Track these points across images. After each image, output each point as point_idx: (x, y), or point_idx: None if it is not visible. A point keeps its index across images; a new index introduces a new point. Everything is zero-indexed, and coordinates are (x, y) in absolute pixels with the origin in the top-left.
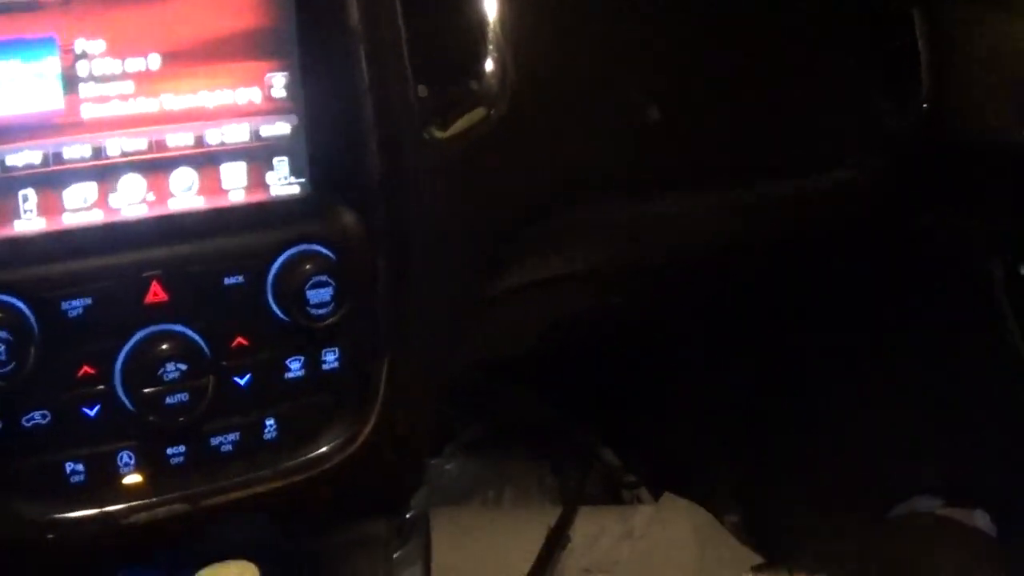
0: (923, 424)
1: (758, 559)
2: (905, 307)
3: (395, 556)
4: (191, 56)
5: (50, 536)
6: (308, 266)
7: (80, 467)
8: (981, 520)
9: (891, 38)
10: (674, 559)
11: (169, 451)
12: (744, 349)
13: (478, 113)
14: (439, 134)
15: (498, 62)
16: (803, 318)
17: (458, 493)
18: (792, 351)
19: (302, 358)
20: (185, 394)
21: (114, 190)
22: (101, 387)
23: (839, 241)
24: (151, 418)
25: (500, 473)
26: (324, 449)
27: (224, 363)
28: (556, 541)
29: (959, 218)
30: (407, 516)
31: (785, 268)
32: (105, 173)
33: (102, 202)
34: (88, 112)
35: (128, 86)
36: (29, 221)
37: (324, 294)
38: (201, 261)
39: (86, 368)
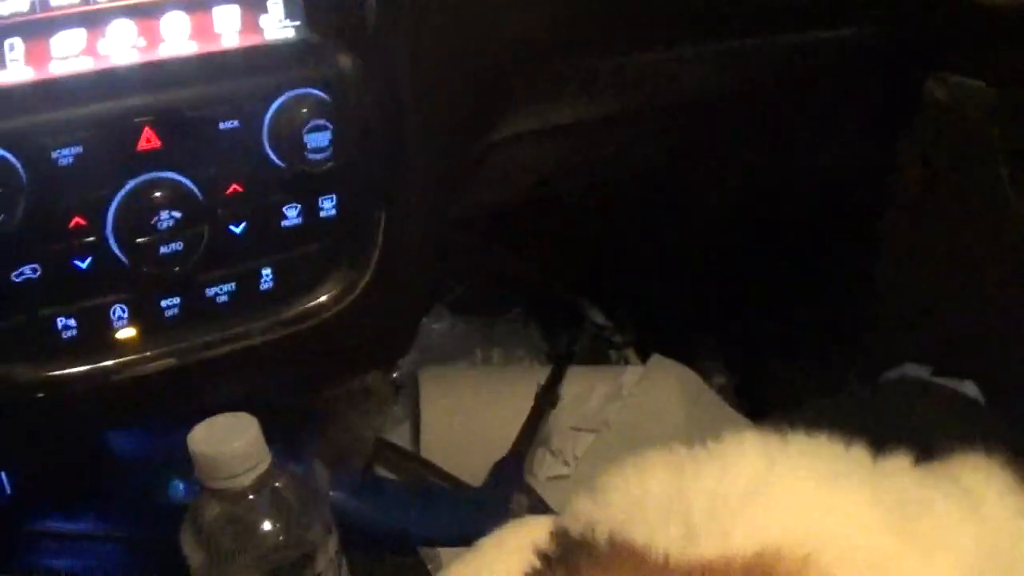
0: (914, 291)
1: (745, 421)
2: (900, 168)
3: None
4: None
5: (40, 395)
6: (305, 110)
7: (72, 322)
8: (971, 390)
9: None
10: (662, 419)
11: (163, 303)
12: (737, 208)
13: None
14: None
15: None
16: (797, 176)
17: (446, 353)
18: (783, 212)
19: (299, 205)
20: (179, 243)
21: (103, 36)
22: (93, 238)
23: (840, 97)
24: (144, 269)
25: (488, 333)
26: (321, 299)
27: (219, 211)
28: (546, 400)
29: (959, 83)
30: (395, 375)
31: (779, 121)
32: (94, 19)
33: (91, 49)
34: None
35: None
36: (16, 70)
37: (321, 138)
38: (195, 106)
39: (77, 219)
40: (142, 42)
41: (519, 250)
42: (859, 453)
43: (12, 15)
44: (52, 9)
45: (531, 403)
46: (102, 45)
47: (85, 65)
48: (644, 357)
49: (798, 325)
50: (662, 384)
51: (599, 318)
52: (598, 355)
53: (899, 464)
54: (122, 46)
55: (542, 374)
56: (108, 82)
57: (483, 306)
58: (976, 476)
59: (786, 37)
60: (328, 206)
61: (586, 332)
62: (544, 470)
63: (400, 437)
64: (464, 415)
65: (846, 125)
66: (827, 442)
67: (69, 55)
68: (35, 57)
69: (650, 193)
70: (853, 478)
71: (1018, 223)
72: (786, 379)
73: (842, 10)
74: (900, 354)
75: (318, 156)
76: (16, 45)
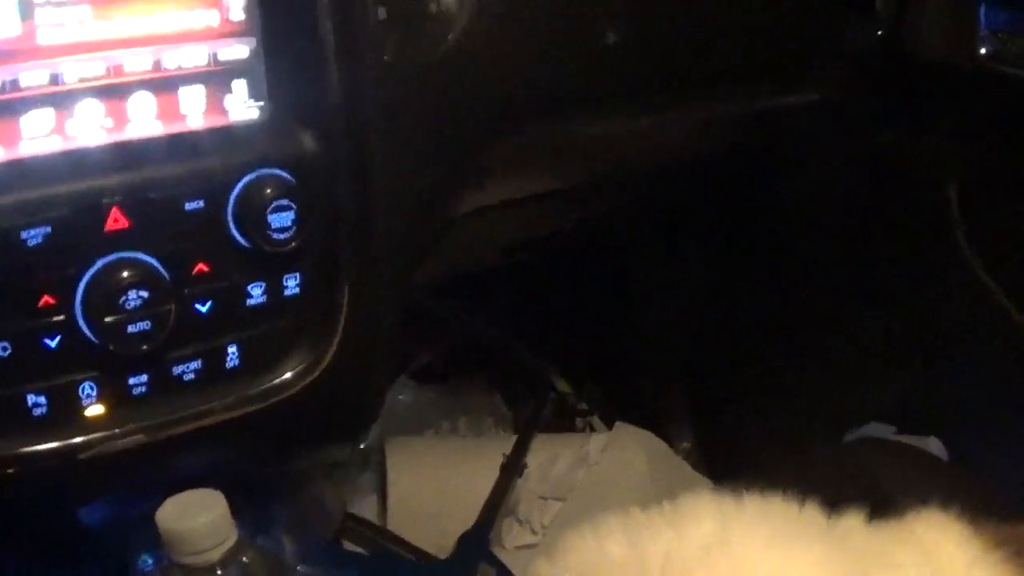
0: (877, 350)
1: (711, 485)
2: (861, 229)
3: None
4: None
5: (11, 471)
6: (269, 190)
7: (42, 399)
8: (934, 446)
9: None
10: (628, 485)
11: (131, 380)
12: (698, 274)
13: (436, 34)
14: (398, 56)
15: None
16: (758, 243)
17: (413, 423)
18: (746, 277)
19: (263, 284)
20: (147, 322)
21: (71, 116)
22: (62, 317)
23: (796, 162)
24: (113, 347)
25: (454, 402)
26: (286, 376)
27: (185, 290)
28: (512, 470)
29: (916, 140)
30: (362, 446)
31: (742, 190)
32: (62, 99)
33: (60, 129)
34: (45, 37)
35: (85, 10)
36: None
37: (285, 218)
38: (161, 187)
39: (47, 298)
40: (109, 122)
41: (483, 318)
42: (813, 512)
43: None
44: (22, 89)
45: (497, 472)
46: (70, 125)
47: (54, 145)
48: (609, 424)
49: (764, 387)
50: (628, 450)
51: (564, 386)
52: (564, 423)
53: (852, 522)
54: (90, 126)
55: (508, 443)
56: (77, 162)
57: (448, 375)
58: (931, 530)
59: (754, 102)
60: (292, 284)
61: (551, 400)
62: (512, 539)
63: (368, 508)
64: (431, 485)
65: (812, 189)
66: (781, 503)
67: (38, 135)
68: (4, 137)
69: (615, 259)
70: (806, 537)
71: (975, 280)
72: (752, 441)
73: (804, 75)
74: (864, 413)
75: (282, 236)
76: None
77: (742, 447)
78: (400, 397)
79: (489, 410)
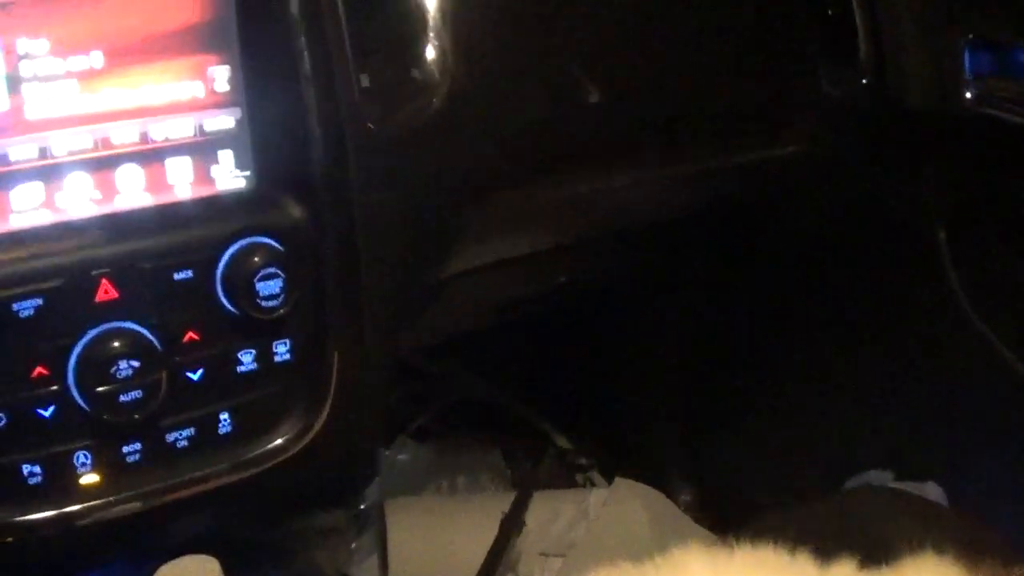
0: (874, 396)
1: (712, 537)
2: (852, 277)
3: (352, 547)
4: (133, 52)
5: (8, 539)
6: (256, 258)
7: (37, 469)
8: (933, 492)
9: (829, 8)
10: (628, 539)
11: (125, 449)
12: (692, 325)
13: (419, 101)
14: (381, 123)
15: (438, 49)
16: (750, 293)
17: (411, 483)
18: (741, 328)
19: (254, 351)
20: (139, 391)
21: (60, 189)
22: (55, 387)
23: (785, 212)
24: (106, 416)
25: (453, 461)
26: (279, 441)
27: (176, 358)
28: (512, 527)
29: (904, 185)
30: (362, 507)
31: (732, 241)
32: (51, 173)
33: (49, 202)
34: (33, 112)
35: (72, 84)
36: None
37: (273, 286)
38: (150, 257)
39: (39, 369)
40: (98, 194)
41: (479, 376)
42: (803, 561)
43: None
44: (11, 164)
45: (497, 530)
46: (60, 198)
47: (44, 218)
48: (609, 478)
49: (763, 437)
50: (628, 505)
51: (563, 442)
52: (563, 478)
53: (844, 570)
54: (79, 199)
55: (508, 500)
56: (66, 234)
57: (446, 434)
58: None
59: (739, 156)
60: (282, 350)
61: (550, 456)
62: None
63: (369, 569)
64: (432, 545)
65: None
66: (772, 553)
67: (27, 208)
68: None
69: (608, 313)
70: None
71: (969, 323)
72: (752, 492)
73: (788, 126)
74: (862, 460)
75: (271, 303)
76: None
77: (743, 498)
78: (399, 456)
79: (488, 468)
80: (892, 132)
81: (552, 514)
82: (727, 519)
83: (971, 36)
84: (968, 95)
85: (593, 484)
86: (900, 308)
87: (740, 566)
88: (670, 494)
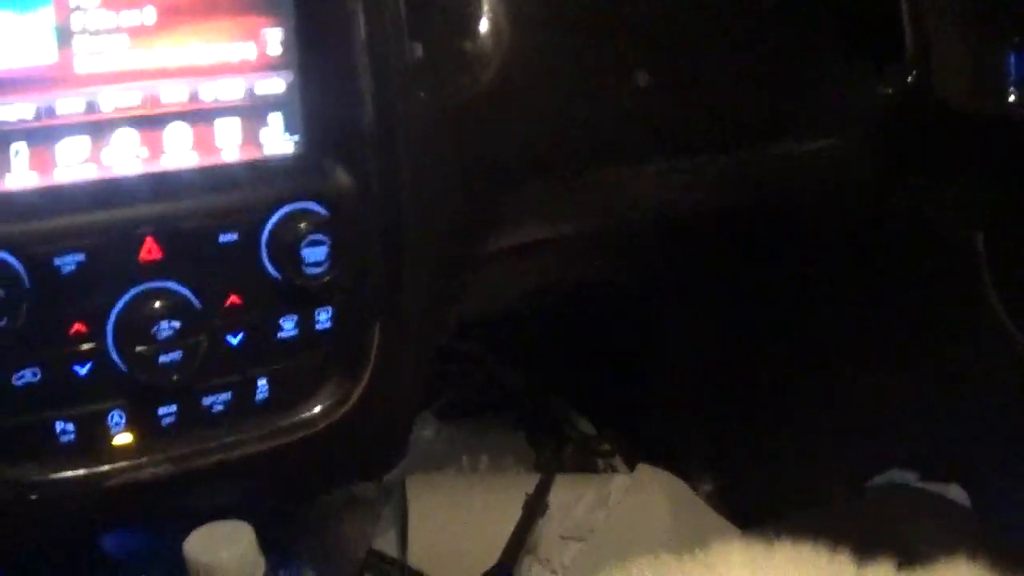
0: (900, 397)
1: (733, 528)
2: (885, 279)
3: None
4: (186, 10)
5: (36, 497)
6: (303, 224)
7: (70, 427)
8: (956, 493)
9: (875, 8)
10: (648, 527)
11: (160, 411)
12: (721, 318)
13: (470, 74)
14: (432, 94)
15: (493, 22)
16: (782, 288)
17: (433, 460)
18: (769, 321)
19: (295, 317)
20: (178, 353)
21: (107, 145)
22: (93, 345)
23: (821, 210)
24: (143, 377)
25: (476, 440)
26: (315, 410)
27: (217, 322)
28: (535, 508)
29: (942, 189)
30: (382, 482)
31: (766, 236)
32: (98, 128)
33: (95, 157)
34: (82, 66)
35: (123, 39)
36: (21, 176)
37: (319, 252)
38: (195, 218)
39: (78, 326)
40: (145, 152)
41: (506, 357)
42: (843, 562)
43: (18, 121)
44: (58, 117)
45: (519, 511)
46: (106, 154)
47: (89, 173)
48: (631, 465)
49: (786, 431)
50: (649, 492)
51: (586, 427)
52: (585, 463)
53: (882, 572)
54: (125, 156)
55: (530, 482)
56: (111, 191)
57: (470, 413)
58: None
59: (781, 151)
60: (324, 318)
61: (573, 441)
62: None
63: (387, 544)
64: (452, 523)
65: (837, 236)
66: (812, 552)
67: (73, 163)
68: (39, 163)
69: (637, 303)
70: None
71: (1001, 329)
72: (774, 486)
73: (814, 123)
74: (886, 459)
75: (315, 270)
76: (21, 150)
77: (764, 491)
78: (423, 433)
79: (510, 449)
80: (932, 134)
81: (573, 498)
82: (749, 511)
83: (1016, 40)
84: (1012, 98)
85: (615, 470)
86: (931, 311)
87: (780, 563)
88: (692, 483)
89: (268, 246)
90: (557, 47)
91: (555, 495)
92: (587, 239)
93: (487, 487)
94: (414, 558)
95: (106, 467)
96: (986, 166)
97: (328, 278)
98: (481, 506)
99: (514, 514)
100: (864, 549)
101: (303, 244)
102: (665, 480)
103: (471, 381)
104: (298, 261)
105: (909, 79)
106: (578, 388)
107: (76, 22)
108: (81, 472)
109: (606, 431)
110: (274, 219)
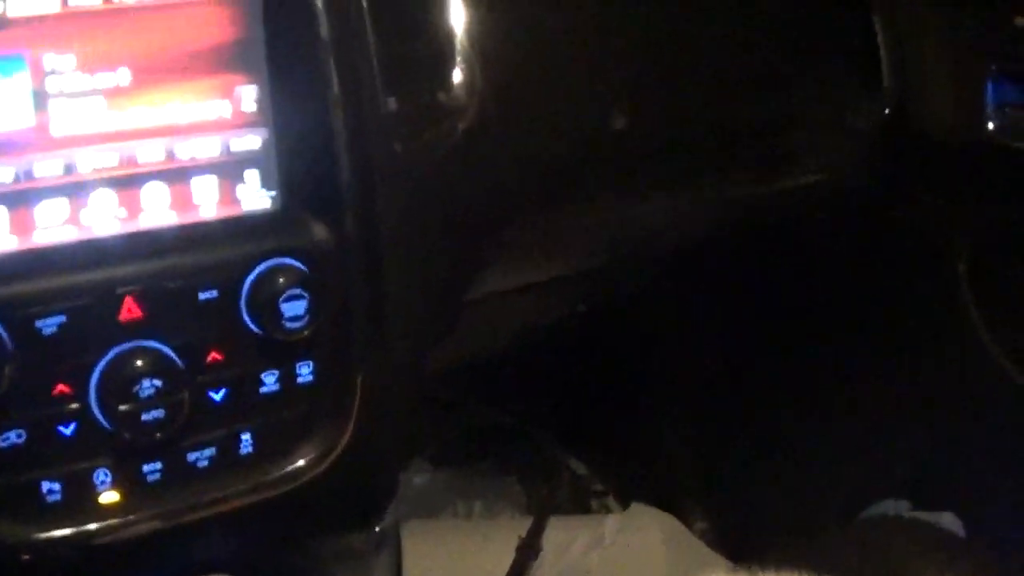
0: (890, 424)
1: (728, 564)
2: (871, 305)
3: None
4: (161, 70)
5: (25, 557)
6: (282, 279)
7: (56, 486)
8: (949, 522)
9: (854, 38)
10: (644, 566)
11: (145, 468)
12: (709, 355)
13: (445, 125)
14: (407, 146)
15: (466, 72)
16: (769, 320)
17: (427, 506)
18: (757, 356)
19: (277, 372)
20: (161, 410)
21: (85, 206)
22: (76, 405)
23: (806, 239)
24: (127, 435)
25: (469, 485)
26: (300, 463)
27: (199, 378)
28: (527, 552)
29: (925, 216)
30: (377, 530)
31: (752, 270)
32: (76, 189)
33: (74, 219)
34: (58, 128)
35: (99, 101)
36: (1, 239)
37: (298, 307)
38: (175, 276)
39: (61, 386)
40: (123, 212)
41: (496, 401)
42: None
43: None
44: (36, 180)
45: (513, 555)
46: (84, 215)
47: (68, 235)
48: (625, 504)
49: (778, 465)
50: (643, 531)
51: (578, 467)
52: (579, 504)
53: None
54: (104, 216)
55: (524, 525)
56: (91, 252)
57: (463, 458)
58: None
59: (762, 184)
60: (306, 372)
61: (566, 482)
62: None
63: None
64: (447, 570)
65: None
66: None
67: (52, 225)
68: (19, 226)
69: (625, 341)
70: None
71: (986, 353)
72: (768, 520)
73: (812, 154)
74: (879, 488)
75: (295, 324)
76: (1, 214)
77: (758, 526)
78: (415, 480)
79: (504, 493)
80: (915, 163)
81: (567, 540)
82: (743, 546)
83: (994, 67)
84: (990, 125)
85: (609, 510)
86: (919, 339)
87: None
88: (685, 521)
89: (248, 302)
90: (533, 91)
91: (549, 537)
92: (574, 279)
93: (482, 532)
94: None
95: (93, 525)
96: (967, 193)
97: (308, 332)
98: (476, 551)
99: (509, 558)
100: None
101: (282, 299)
102: (659, 518)
103: (463, 426)
104: (278, 316)
105: (888, 109)
106: (569, 429)
107: (52, 85)
108: (69, 531)
109: (598, 470)
110: (253, 275)
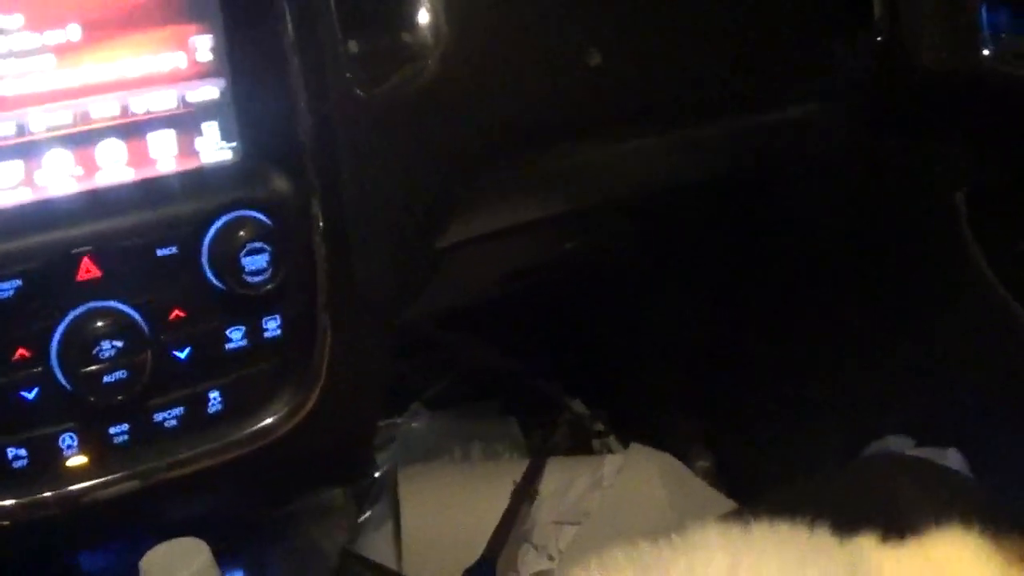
0: (893, 363)
1: (729, 504)
2: (870, 247)
3: (366, 516)
4: (112, 24)
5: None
6: (243, 232)
7: (22, 451)
8: (954, 459)
9: None
10: (644, 507)
11: (112, 430)
12: (710, 292)
13: (411, 67)
14: (371, 90)
15: (431, 11)
16: (767, 261)
17: (425, 451)
18: (757, 295)
19: (243, 327)
20: (123, 371)
21: (40, 167)
22: (38, 369)
23: (801, 179)
24: (90, 398)
25: (467, 429)
26: (271, 419)
27: (162, 337)
28: (522, 496)
29: (920, 149)
30: (375, 476)
31: (748, 210)
32: (30, 150)
33: (28, 180)
34: (9, 88)
35: (49, 59)
36: None
37: (260, 260)
38: (132, 234)
39: (21, 351)
40: (79, 171)
41: (494, 342)
42: (823, 536)
43: None
44: None
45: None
46: (39, 176)
47: (23, 196)
48: (626, 443)
49: (779, 403)
50: (644, 472)
51: (578, 407)
52: (580, 444)
53: (866, 543)
54: (59, 176)
55: (522, 468)
56: (46, 213)
57: (461, 401)
58: (949, 549)
59: (749, 121)
60: (272, 326)
61: (565, 422)
62: (528, 566)
63: (383, 537)
64: (445, 514)
65: (817, 203)
66: (790, 529)
67: (6, 187)
68: None
69: (622, 279)
70: (819, 563)
71: (989, 289)
72: (770, 458)
73: (801, 89)
74: (882, 426)
75: (258, 278)
76: None
77: (760, 464)
78: (413, 424)
79: (502, 436)
80: (907, 95)
81: (566, 482)
82: (745, 485)
83: None
84: (986, 52)
85: (610, 449)
86: (920, 276)
87: (758, 543)
88: (686, 460)
89: (209, 257)
90: (501, 30)
91: (548, 479)
92: (551, 222)
93: (480, 475)
94: (408, 550)
95: (62, 490)
96: (963, 122)
97: (272, 286)
98: (474, 495)
99: (507, 501)
100: (848, 522)
101: (244, 253)
102: (659, 458)
103: (460, 369)
104: (240, 270)
105: (879, 39)
106: (568, 371)
107: (0, 45)
108: (37, 496)
109: (600, 410)
110: (213, 229)
